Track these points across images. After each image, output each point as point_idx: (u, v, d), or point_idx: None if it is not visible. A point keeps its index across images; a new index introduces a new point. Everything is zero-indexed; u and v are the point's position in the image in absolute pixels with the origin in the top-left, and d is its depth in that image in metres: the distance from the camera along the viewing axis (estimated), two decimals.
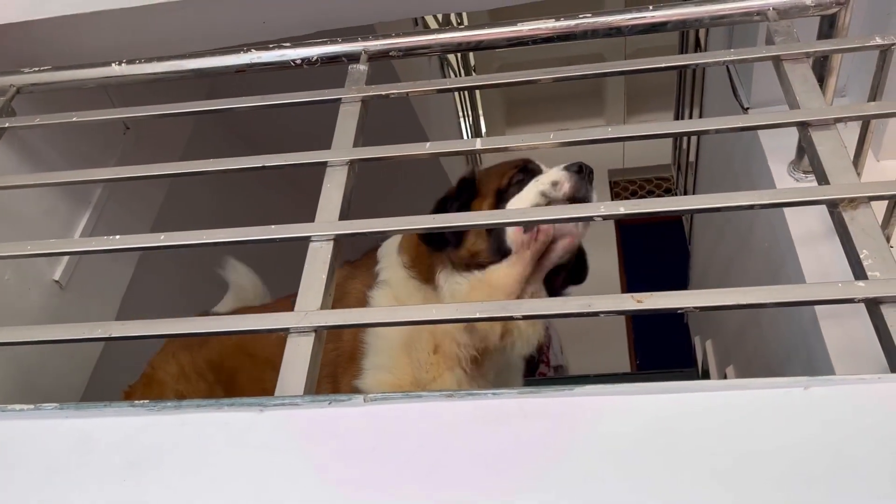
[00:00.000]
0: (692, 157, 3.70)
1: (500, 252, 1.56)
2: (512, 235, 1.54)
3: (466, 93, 5.97)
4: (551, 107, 7.54)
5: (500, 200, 1.63)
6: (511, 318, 0.98)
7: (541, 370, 4.65)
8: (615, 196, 6.63)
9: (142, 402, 0.90)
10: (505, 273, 1.56)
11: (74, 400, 2.01)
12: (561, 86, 6.51)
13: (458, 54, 5.27)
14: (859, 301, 0.91)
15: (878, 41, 1.22)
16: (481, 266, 1.59)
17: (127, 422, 0.88)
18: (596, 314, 0.96)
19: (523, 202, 1.56)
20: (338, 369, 1.73)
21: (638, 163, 6.69)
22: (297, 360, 0.98)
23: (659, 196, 6.19)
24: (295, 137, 2.74)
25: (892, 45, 1.21)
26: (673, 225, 4.82)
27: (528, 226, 1.48)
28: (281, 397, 0.89)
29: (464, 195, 1.68)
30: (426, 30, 1.50)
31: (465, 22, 5.11)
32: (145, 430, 0.88)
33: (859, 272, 0.95)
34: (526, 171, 1.65)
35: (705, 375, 2.99)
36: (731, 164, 2.32)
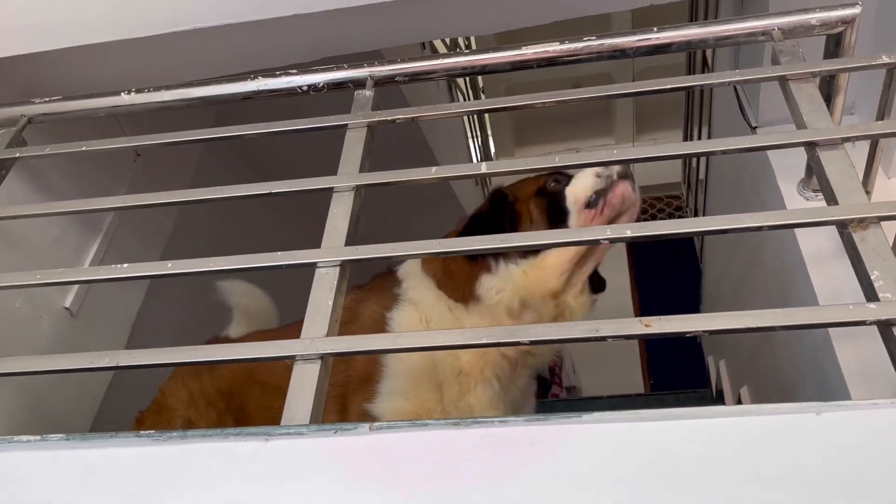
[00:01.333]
0: (702, 175, 3.69)
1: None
2: (574, 215, 1.59)
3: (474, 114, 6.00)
4: (560, 126, 7.55)
5: (542, 197, 1.69)
6: (518, 344, 0.97)
7: (553, 391, 4.62)
8: None
9: (147, 432, 0.90)
10: (559, 253, 1.58)
11: (85, 426, 2.01)
12: (570, 105, 6.53)
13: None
14: (871, 323, 0.89)
15: (885, 60, 1.22)
16: (536, 252, 1.60)
17: (132, 452, 0.88)
18: (603, 339, 0.95)
19: (582, 184, 1.63)
20: (348, 390, 1.71)
21: (648, 181, 6.67)
22: (303, 387, 0.98)
23: (669, 214, 6.17)
24: (302, 161, 2.76)
25: None
26: (684, 243, 4.79)
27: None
28: (286, 426, 0.89)
29: (497, 208, 1.70)
30: (431, 55, 1.50)
31: (473, 44, 5.14)
32: (151, 460, 0.87)
33: (871, 294, 0.93)
34: (560, 174, 1.70)
35: (719, 396, 2.96)
36: (742, 183, 2.31)
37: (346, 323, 1.73)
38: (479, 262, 1.67)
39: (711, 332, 0.92)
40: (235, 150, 3.47)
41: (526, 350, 1.67)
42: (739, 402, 2.46)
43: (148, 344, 2.42)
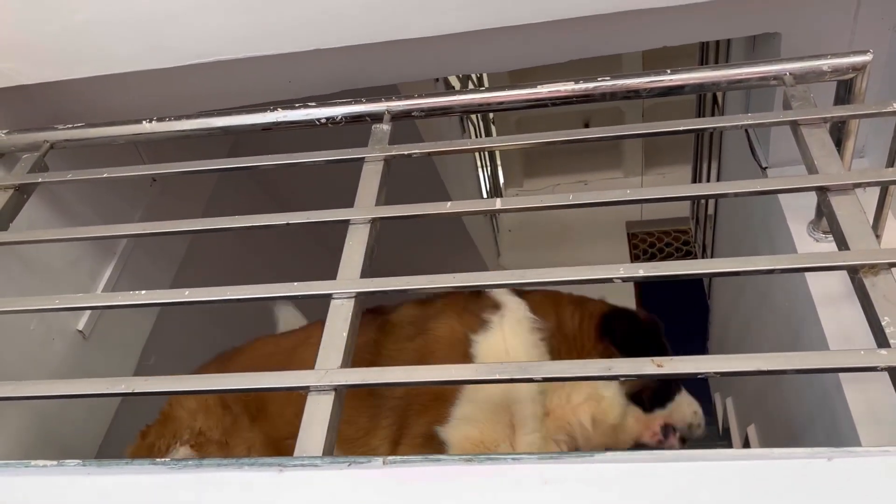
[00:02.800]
0: (710, 211, 3.71)
1: None
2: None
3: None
4: (569, 158, 7.59)
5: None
6: (531, 381, 0.98)
7: None
8: (633, 248, 6.62)
9: (163, 460, 0.91)
10: None
11: (92, 448, 2.01)
12: (595, 129, 6.57)
13: None
14: (882, 370, 0.90)
15: (895, 107, 1.24)
16: None
17: (147, 480, 0.89)
18: (616, 378, 0.96)
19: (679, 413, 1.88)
20: (412, 406, 1.66)
21: (656, 215, 6.69)
22: (316, 419, 0.99)
23: (677, 249, 6.18)
24: (318, 188, 2.78)
25: None
26: (693, 280, 4.80)
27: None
28: (300, 458, 0.90)
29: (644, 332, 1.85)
30: (447, 91, 1.54)
31: (485, 79, 5.20)
32: (166, 488, 0.88)
33: (882, 340, 0.94)
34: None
35: (725, 433, 2.94)
36: (751, 222, 2.32)
37: (412, 337, 1.75)
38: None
39: (723, 374, 0.93)
40: (251, 176, 3.50)
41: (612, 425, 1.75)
42: (746, 441, 2.44)
43: (157, 367, 2.44)
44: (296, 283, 1.17)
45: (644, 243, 6.65)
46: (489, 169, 6.32)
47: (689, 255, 6.18)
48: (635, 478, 0.79)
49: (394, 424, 1.66)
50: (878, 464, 0.76)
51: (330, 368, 1.04)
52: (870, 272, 1.00)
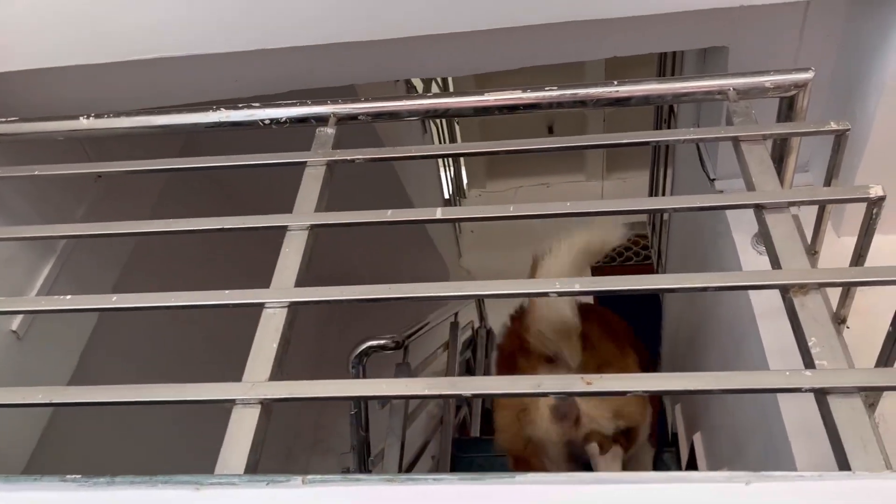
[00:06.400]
0: (666, 217, 3.75)
1: None
2: None
3: (447, 140, 6.02)
4: (532, 161, 7.61)
5: None
6: (460, 396, 0.96)
7: None
8: None
9: (73, 476, 0.87)
10: None
11: (21, 461, 1.94)
12: (542, 137, 6.60)
13: None
14: (807, 391, 0.90)
15: (833, 126, 1.25)
16: None
17: (56, 497, 0.85)
18: (545, 395, 0.95)
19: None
20: None
21: (617, 220, 6.76)
22: (240, 434, 0.96)
23: (636, 253, 6.25)
24: (271, 182, 2.74)
25: (847, 130, 1.24)
26: None
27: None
28: (219, 476, 0.87)
29: None
30: (394, 96, 1.51)
31: (451, 83, 5.20)
32: None
33: (808, 360, 0.95)
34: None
35: (674, 439, 2.97)
36: (701, 231, 2.35)
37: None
38: None
39: (649, 393, 0.92)
40: (204, 172, 3.44)
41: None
42: (692, 449, 2.47)
43: (101, 367, 2.37)
44: (227, 291, 1.14)
45: None
46: (452, 170, 6.31)
47: (647, 259, 6.24)
48: (553, 499, 0.78)
49: None
50: (796, 489, 0.76)
51: (256, 381, 1.01)
52: (799, 292, 1.01)
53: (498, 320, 5.16)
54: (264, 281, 1.18)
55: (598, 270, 4.29)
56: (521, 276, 4.73)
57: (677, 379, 0.92)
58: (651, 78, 1.45)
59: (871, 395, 1.07)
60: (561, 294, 1.08)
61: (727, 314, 1.94)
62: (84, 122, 1.55)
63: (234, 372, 1.06)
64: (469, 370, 4.48)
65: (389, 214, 1.26)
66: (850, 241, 1.64)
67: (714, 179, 1.95)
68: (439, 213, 1.28)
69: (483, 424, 4.37)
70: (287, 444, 4.86)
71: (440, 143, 5.84)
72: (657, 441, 2.82)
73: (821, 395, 0.90)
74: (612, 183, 7.29)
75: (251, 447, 0.94)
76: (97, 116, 1.55)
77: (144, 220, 2.51)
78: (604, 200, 1.25)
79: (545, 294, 1.08)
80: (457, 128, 6.21)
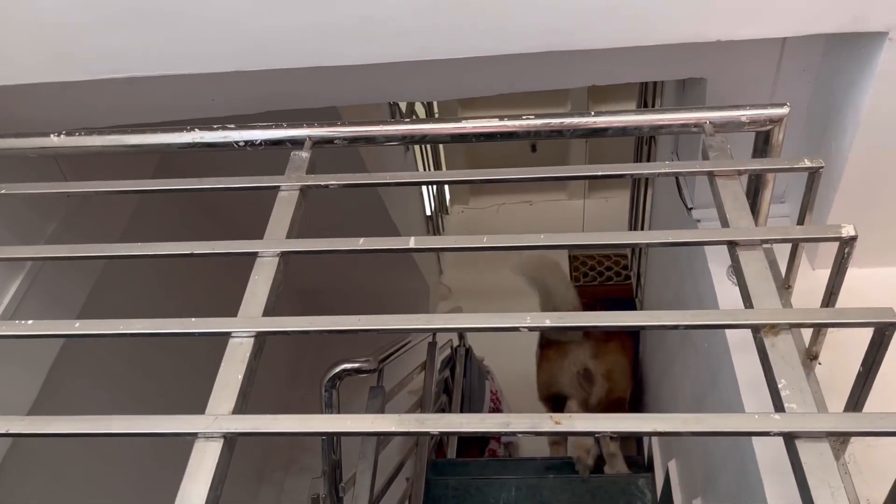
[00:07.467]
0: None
1: None
2: None
3: (430, 157, 6.02)
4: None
5: None
6: (428, 434, 0.95)
7: (490, 447, 4.57)
8: (574, 270, 6.66)
9: None
10: None
11: None
12: (526, 155, 6.61)
13: None
14: (776, 434, 0.90)
15: (807, 163, 1.25)
16: None
17: None
18: (514, 434, 0.93)
19: None
20: None
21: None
22: (201, 468, 0.93)
23: (616, 273, 6.27)
24: (247, 198, 2.71)
25: (820, 167, 1.24)
26: (626, 304, 4.86)
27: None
28: None
29: None
30: (371, 120, 1.50)
31: (435, 106, 5.22)
32: None
33: (778, 403, 0.94)
34: None
35: (650, 463, 2.96)
36: (678, 259, 2.35)
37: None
38: None
39: (617, 434, 0.91)
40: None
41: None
42: (667, 476, 2.46)
43: (71, 384, 2.32)
44: (193, 319, 1.12)
45: (585, 266, 6.71)
46: (435, 187, 6.30)
47: (627, 278, 6.26)
48: None
49: None
50: None
51: (220, 414, 0.99)
52: (770, 332, 1.00)
53: (477, 339, 5.15)
54: (241, 288, 1.15)
55: (580, 290, 4.30)
56: (502, 292, 4.71)
57: (647, 420, 0.91)
58: (628, 110, 1.45)
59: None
60: (531, 329, 1.07)
61: (702, 346, 1.94)
62: (55, 140, 1.52)
63: (208, 385, 1.03)
64: (447, 390, 4.46)
65: (361, 242, 1.24)
66: (824, 274, 1.65)
67: (691, 209, 1.95)
68: (412, 242, 1.26)
69: (459, 446, 4.35)
70: (258, 467, 4.80)
71: (423, 162, 5.83)
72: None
73: (789, 439, 0.89)
74: (593, 202, 7.31)
75: (212, 482, 0.92)
76: (68, 134, 1.52)
77: (120, 230, 2.48)
78: (578, 234, 1.25)
79: (515, 329, 1.07)
80: (441, 148, 6.22)
